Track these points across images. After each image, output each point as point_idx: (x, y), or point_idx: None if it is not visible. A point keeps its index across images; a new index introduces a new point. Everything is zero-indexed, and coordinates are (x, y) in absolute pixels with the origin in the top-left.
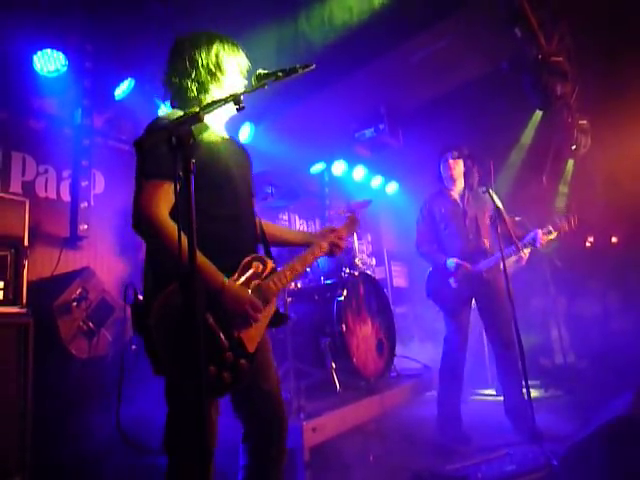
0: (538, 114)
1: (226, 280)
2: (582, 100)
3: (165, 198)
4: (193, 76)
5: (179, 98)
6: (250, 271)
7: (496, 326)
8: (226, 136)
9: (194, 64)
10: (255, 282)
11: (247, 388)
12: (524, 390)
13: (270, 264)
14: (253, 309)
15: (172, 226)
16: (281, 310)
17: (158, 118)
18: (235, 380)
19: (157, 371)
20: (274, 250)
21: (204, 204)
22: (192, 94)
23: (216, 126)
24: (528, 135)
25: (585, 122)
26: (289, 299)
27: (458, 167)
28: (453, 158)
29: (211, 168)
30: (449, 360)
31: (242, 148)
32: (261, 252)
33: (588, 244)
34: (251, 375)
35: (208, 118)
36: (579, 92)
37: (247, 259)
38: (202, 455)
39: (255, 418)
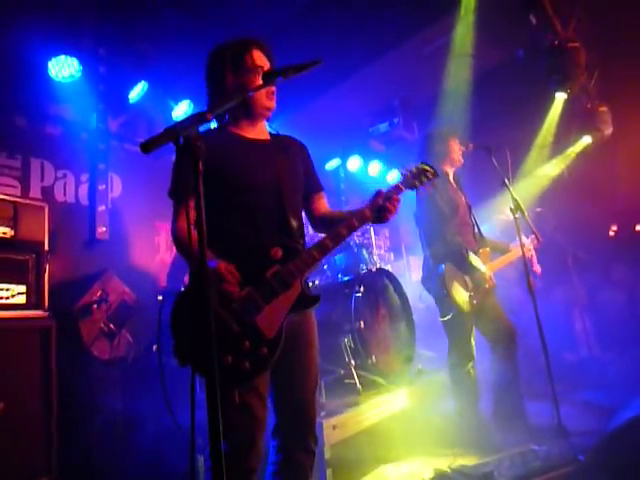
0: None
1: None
2: (602, 86)
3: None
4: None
5: None
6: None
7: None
8: (266, 137)
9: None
10: (274, 269)
11: (283, 387)
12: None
13: (292, 248)
14: (222, 279)
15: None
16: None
17: None
18: (257, 368)
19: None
20: None
21: (217, 215)
22: None
23: (256, 129)
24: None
25: (605, 108)
26: None
27: None
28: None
29: (222, 178)
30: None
31: (290, 150)
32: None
33: (612, 233)
34: (288, 374)
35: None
36: (598, 77)
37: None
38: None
39: (285, 417)
